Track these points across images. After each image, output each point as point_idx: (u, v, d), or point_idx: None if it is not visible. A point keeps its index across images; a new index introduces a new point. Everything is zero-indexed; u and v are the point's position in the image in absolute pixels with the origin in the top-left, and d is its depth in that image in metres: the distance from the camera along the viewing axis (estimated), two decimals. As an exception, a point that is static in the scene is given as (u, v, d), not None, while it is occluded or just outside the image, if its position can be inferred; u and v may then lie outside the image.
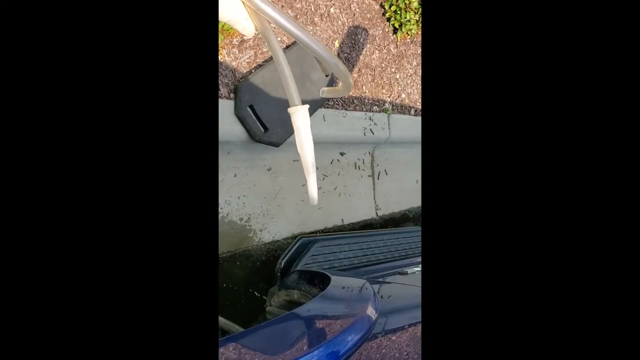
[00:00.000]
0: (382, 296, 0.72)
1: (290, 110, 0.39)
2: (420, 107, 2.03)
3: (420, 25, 1.89)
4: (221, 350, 0.44)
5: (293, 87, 0.38)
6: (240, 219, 1.30)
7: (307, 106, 0.39)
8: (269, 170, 1.39)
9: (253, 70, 1.32)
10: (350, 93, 1.72)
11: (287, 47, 1.43)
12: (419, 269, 1.04)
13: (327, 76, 1.50)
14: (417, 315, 0.60)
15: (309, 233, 1.49)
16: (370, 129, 1.72)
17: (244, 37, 1.33)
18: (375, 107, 1.83)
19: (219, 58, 1.25)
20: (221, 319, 0.69)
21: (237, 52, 1.31)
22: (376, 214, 1.81)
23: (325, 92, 0.49)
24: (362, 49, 1.79)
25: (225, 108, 1.23)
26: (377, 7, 1.87)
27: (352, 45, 1.74)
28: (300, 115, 0.39)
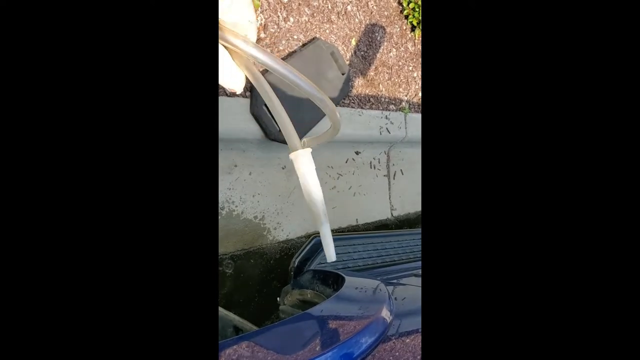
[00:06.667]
0: (396, 298, 0.71)
1: (291, 155, 0.36)
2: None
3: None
4: (234, 348, 0.44)
5: (291, 130, 0.35)
6: (255, 217, 1.31)
7: (310, 149, 0.36)
8: (283, 168, 1.39)
9: (269, 69, 1.33)
10: (367, 91, 1.70)
11: (304, 44, 1.43)
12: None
13: (343, 74, 1.49)
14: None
15: (323, 232, 1.49)
16: (387, 128, 1.70)
17: (260, 37, 1.34)
18: (391, 106, 1.80)
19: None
20: (235, 317, 0.69)
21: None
22: (391, 214, 1.79)
23: (306, 143, 0.43)
24: (380, 46, 1.77)
25: (241, 106, 1.23)
26: (395, 4, 1.84)
27: (369, 43, 1.72)
28: (303, 160, 0.35)
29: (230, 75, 0.31)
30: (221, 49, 0.30)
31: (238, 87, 0.33)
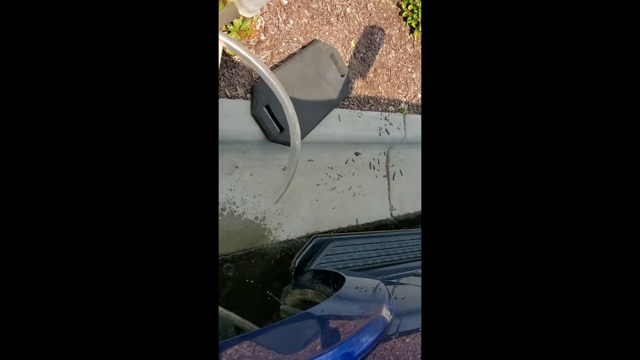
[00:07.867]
0: (396, 297, 0.72)
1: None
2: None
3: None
4: (236, 348, 0.45)
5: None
6: (256, 218, 1.32)
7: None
8: (284, 169, 1.40)
9: (269, 71, 1.33)
10: (366, 93, 1.71)
11: (304, 46, 1.43)
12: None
13: (342, 76, 1.50)
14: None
15: (323, 232, 1.49)
16: (386, 129, 1.70)
17: (261, 39, 1.34)
18: (391, 107, 1.81)
19: (236, 59, 1.26)
20: (235, 317, 0.70)
21: (253, 53, 1.32)
22: (391, 214, 1.80)
23: (277, 197, 0.46)
24: (379, 48, 1.77)
25: (242, 108, 1.24)
26: (394, 6, 1.85)
27: (368, 45, 1.73)
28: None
29: None
30: None
31: None
